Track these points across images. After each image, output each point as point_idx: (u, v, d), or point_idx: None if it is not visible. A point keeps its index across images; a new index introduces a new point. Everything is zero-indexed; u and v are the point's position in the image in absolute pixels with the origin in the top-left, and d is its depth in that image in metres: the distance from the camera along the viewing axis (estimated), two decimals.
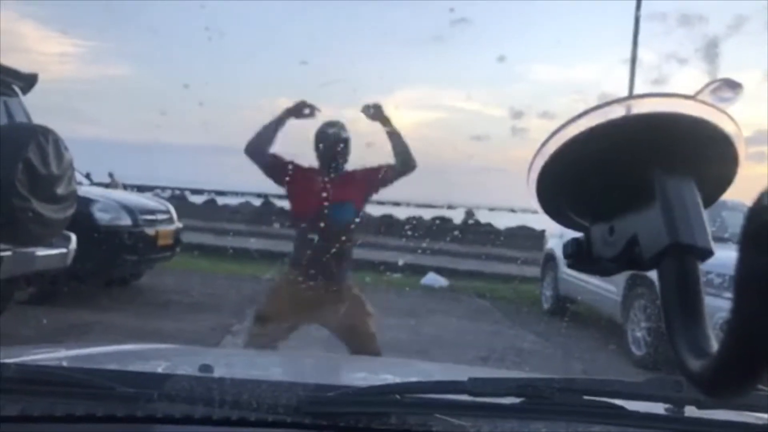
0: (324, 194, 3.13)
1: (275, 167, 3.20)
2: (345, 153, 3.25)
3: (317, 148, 3.24)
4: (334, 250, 3.10)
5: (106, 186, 8.44)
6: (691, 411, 1.01)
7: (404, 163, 3.22)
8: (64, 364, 1.31)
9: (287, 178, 3.19)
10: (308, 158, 3.27)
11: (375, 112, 3.22)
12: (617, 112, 0.47)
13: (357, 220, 3.27)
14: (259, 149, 3.15)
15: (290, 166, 3.20)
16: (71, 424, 0.91)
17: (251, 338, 3.21)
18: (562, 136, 0.48)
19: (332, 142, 3.19)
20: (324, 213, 3.11)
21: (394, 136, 3.24)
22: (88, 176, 7.56)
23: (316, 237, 3.11)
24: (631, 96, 0.47)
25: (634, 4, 11.56)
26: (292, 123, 3.21)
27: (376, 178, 3.25)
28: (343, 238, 3.17)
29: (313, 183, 3.17)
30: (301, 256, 3.16)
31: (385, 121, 3.23)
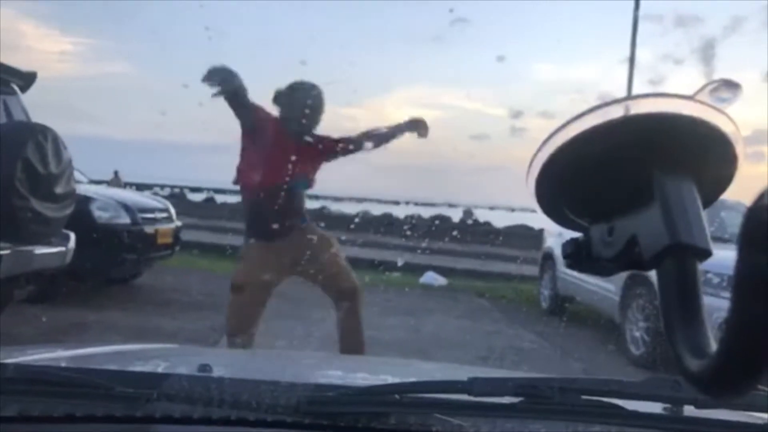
0: (283, 162, 3.09)
1: (246, 108, 3.13)
2: (315, 116, 3.19)
3: (283, 105, 3.17)
4: (286, 213, 3.12)
5: (108, 184, 8.43)
6: (689, 410, 1.01)
7: (364, 146, 3.27)
8: (63, 364, 1.31)
9: (255, 122, 3.13)
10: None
11: (419, 126, 3.28)
12: (616, 112, 0.47)
13: (309, 186, 3.30)
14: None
15: (259, 112, 3.13)
16: (70, 424, 0.91)
17: (232, 309, 3.18)
18: (561, 136, 0.48)
19: (300, 103, 3.12)
20: (277, 183, 3.09)
21: (390, 136, 3.28)
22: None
23: (266, 202, 3.10)
24: (630, 96, 0.47)
25: (631, 4, 11.56)
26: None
27: (333, 149, 3.25)
28: (296, 201, 3.20)
29: (274, 142, 3.11)
30: (255, 222, 3.18)
31: (423, 132, 3.28)
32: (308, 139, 3.20)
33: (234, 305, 3.16)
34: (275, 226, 3.08)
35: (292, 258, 3.13)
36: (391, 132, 3.30)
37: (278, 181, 3.09)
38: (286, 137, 3.15)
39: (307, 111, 3.13)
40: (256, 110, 3.16)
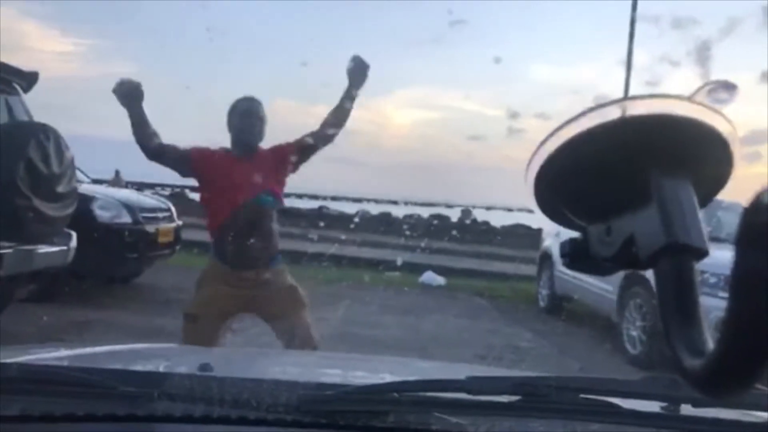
0: (241, 180, 3.00)
1: (176, 160, 3.07)
2: (260, 130, 3.10)
3: (231, 126, 3.10)
4: (257, 237, 3.01)
5: (109, 183, 8.42)
6: (686, 409, 1.01)
7: (328, 134, 3.09)
8: (65, 363, 1.32)
9: (194, 166, 3.07)
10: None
11: (356, 66, 3.09)
12: (614, 113, 0.47)
13: (279, 204, 3.17)
14: (145, 143, 3.01)
15: (193, 154, 3.06)
16: (72, 423, 0.92)
17: (185, 340, 3.03)
18: (559, 136, 0.48)
19: (248, 118, 3.06)
20: (242, 201, 3.00)
21: (348, 103, 3.10)
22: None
23: (235, 225, 3.00)
24: (627, 97, 0.48)
25: (628, 5, 11.52)
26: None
27: (291, 154, 3.12)
28: (265, 223, 3.08)
29: (227, 168, 3.04)
30: (223, 247, 3.04)
31: (359, 81, 3.11)
32: (258, 150, 3.10)
33: (187, 336, 3.05)
34: (242, 248, 2.97)
35: (252, 298, 3.01)
36: (344, 97, 3.12)
37: (241, 201, 3.00)
38: (235, 162, 3.07)
39: (248, 125, 3.07)
40: (192, 155, 3.08)
